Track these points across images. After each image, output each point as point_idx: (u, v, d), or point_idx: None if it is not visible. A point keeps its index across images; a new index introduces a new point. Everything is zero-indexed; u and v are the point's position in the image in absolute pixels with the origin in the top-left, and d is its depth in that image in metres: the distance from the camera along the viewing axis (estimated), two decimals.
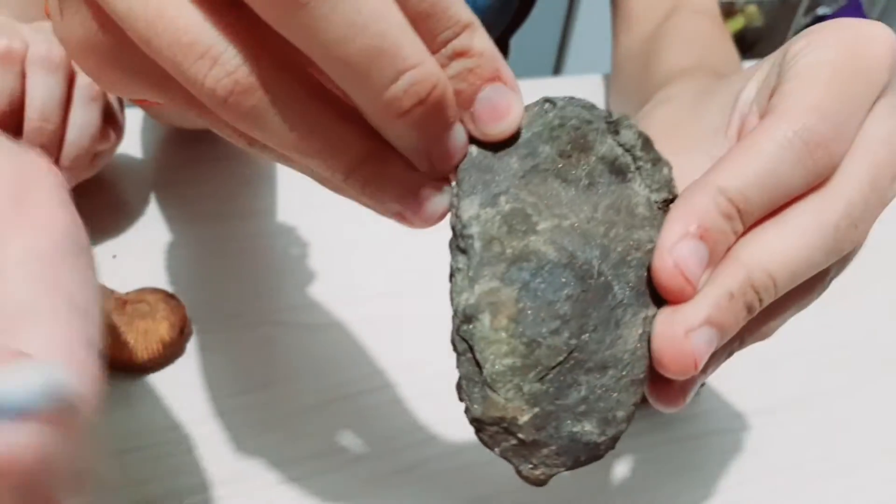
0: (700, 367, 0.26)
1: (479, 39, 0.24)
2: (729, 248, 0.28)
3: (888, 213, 0.32)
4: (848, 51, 0.29)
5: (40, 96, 0.46)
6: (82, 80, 0.48)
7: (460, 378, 0.26)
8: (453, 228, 0.26)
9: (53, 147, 0.47)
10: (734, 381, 0.50)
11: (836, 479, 0.47)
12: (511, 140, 0.27)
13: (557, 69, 1.77)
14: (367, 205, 0.26)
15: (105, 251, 0.53)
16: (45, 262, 0.24)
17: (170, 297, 0.47)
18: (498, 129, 0.26)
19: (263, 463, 0.42)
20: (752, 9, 1.18)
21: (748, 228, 0.28)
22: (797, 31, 1.15)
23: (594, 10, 1.62)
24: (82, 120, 0.48)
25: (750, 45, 1.21)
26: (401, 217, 0.26)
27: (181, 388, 0.45)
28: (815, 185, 0.28)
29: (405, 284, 0.52)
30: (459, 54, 0.24)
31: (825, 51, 0.29)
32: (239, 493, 0.41)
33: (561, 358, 0.26)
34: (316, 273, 0.53)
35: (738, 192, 0.27)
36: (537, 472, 0.27)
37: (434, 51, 0.24)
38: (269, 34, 0.22)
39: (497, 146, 0.27)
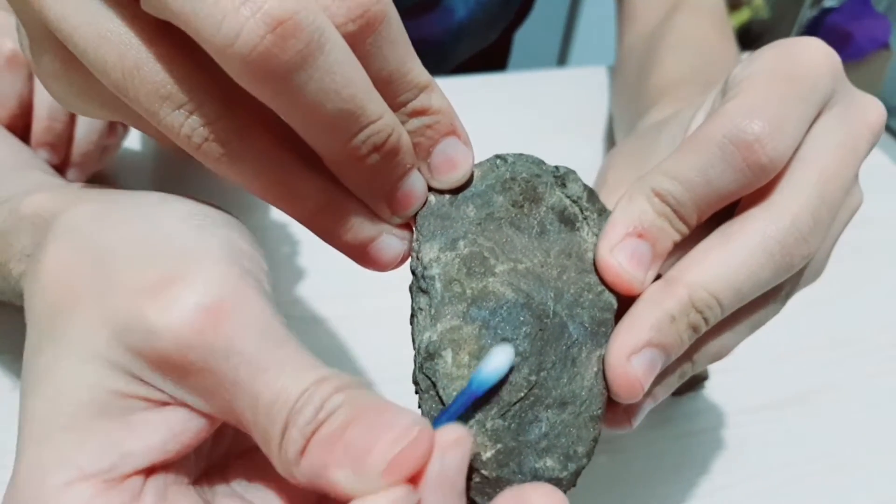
0: (645, 387, 0.27)
1: (437, 99, 0.27)
2: (676, 244, 0.29)
3: (891, 208, 0.33)
4: (782, 59, 0.29)
5: (47, 97, 0.47)
6: None
7: (423, 416, 0.27)
8: (414, 272, 0.28)
9: (63, 144, 0.48)
10: (736, 377, 0.51)
11: (839, 475, 0.47)
12: (462, 189, 0.29)
13: (562, 59, 1.76)
14: (330, 244, 0.28)
15: None
16: (201, 219, 0.26)
17: None
18: (452, 177, 0.28)
19: None
20: (759, 1, 1.17)
21: (698, 229, 0.29)
22: (803, 24, 1.14)
23: (600, 0, 1.62)
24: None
25: (756, 37, 1.20)
26: (361, 260, 0.28)
27: None
28: (753, 188, 0.28)
29: (396, 281, 0.52)
30: (419, 112, 0.26)
31: (760, 63, 0.30)
32: None
33: (521, 394, 0.27)
34: (306, 270, 0.54)
35: (668, 192, 0.28)
36: None
37: (396, 109, 0.26)
38: (242, 88, 0.23)
39: (453, 196, 0.29)
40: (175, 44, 0.24)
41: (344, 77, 0.23)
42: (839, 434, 0.49)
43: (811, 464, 0.47)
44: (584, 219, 0.30)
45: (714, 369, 0.50)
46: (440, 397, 0.26)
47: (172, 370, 0.23)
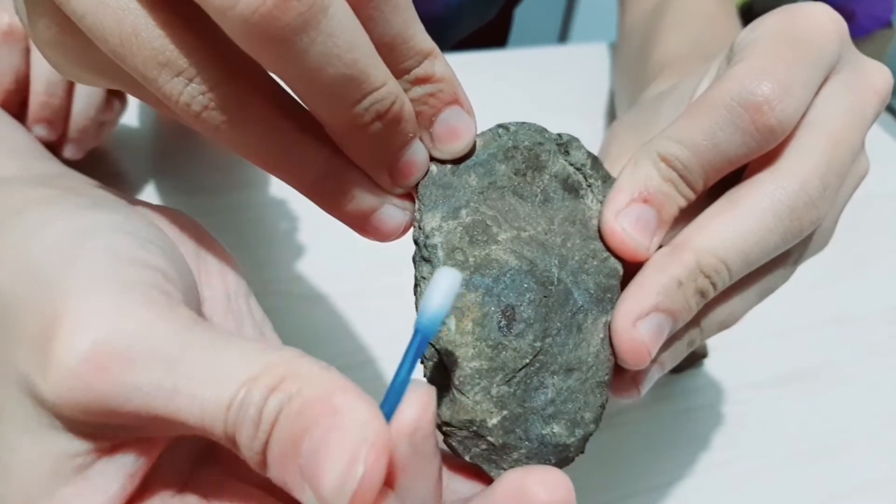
0: (652, 353, 0.27)
1: (440, 66, 0.26)
2: (682, 211, 0.29)
3: (892, 185, 0.33)
4: (788, 24, 0.29)
5: (45, 71, 0.46)
6: None
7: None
8: (416, 242, 0.28)
9: (60, 120, 0.48)
10: (736, 354, 0.51)
11: (838, 452, 0.47)
12: (465, 159, 0.28)
13: (563, 36, 1.75)
14: (332, 215, 0.28)
15: None
16: (75, 236, 0.24)
17: None
18: (455, 147, 0.28)
19: None
20: None
21: (704, 194, 0.29)
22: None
23: None
24: (87, 91, 0.48)
25: (758, 15, 1.19)
26: (362, 230, 0.28)
27: None
28: (761, 152, 0.28)
29: (396, 258, 0.52)
30: (422, 80, 0.26)
31: (766, 27, 0.29)
32: None
33: (526, 360, 0.26)
34: (305, 247, 0.54)
35: (674, 157, 0.28)
36: None
37: (398, 76, 0.25)
38: (243, 55, 0.23)
39: (455, 166, 0.28)
40: (174, 9, 0.23)
41: (347, 41, 0.22)
42: (838, 412, 0.49)
43: (810, 441, 0.48)
44: (589, 186, 0.30)
45: (714, 346, 0.50)
46: (444, 365, 0.26)
47: (91, 424, 0.21)
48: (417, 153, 0.27)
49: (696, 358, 0.50)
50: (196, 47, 0.23)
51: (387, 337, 0.48)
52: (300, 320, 0.49)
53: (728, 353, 0.50)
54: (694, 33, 0.55)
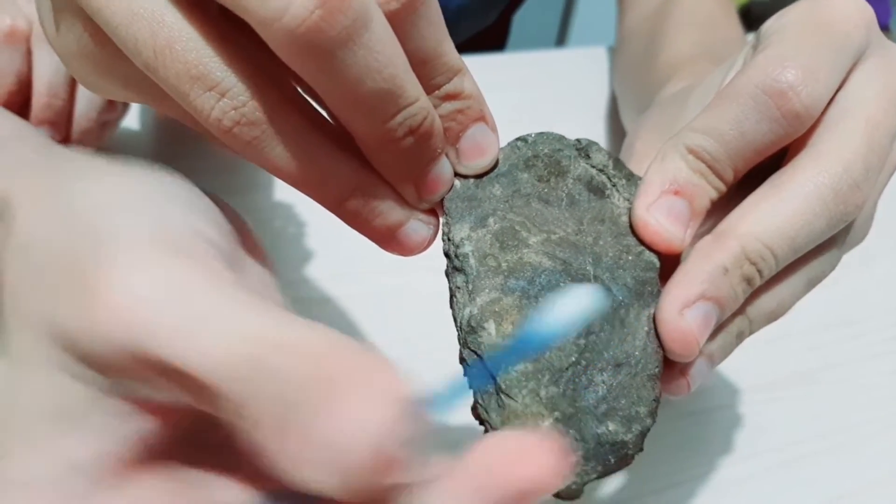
0: (700, 342, 0.27)
1: (469, 83, 0.27)
2: (713, 202, 0.29)
3: (891, 189, 0.33)
4: (814, 11, 0.29)
5: (47, 73, 0.46)
6: None
7: (474, 394, 0.26)
8: (447, 254, 0.28)
9: (63, 121, 0.48)
10: (740, 357, 0.50)
11: (840, 454, 0.47)
12: (487, 174, 0.29)
13: (561, 40, 1.75)
14: (358, 230, 0.28)
15: None
16: (126, 197, 0.23)
17: None
18: (480, 163, 0.28)
19: None
20: None
21: (734, 185, 0.29)
22: None
23: None
24: (89, 92, 0.48)
25: (756, 19, 1.19)
26: (388, 245, 0.28)
27: None
28: (789, 140, 0.28)
29: (403, 260, 0.52)
30: (451, 97, 0.26)
31: (792, 16, 0.29)
32: None
33: (573, 359, 0.26)
34: (312, 250, 0.53)
35: (702, 148, 0.28)
36: (569, 483, 0.26)
37: (428, 91, 0.26)
38: (277, 66, 0.23)
39: (478, 179, 0.29)
40: (210, 22, 0.23)
41: (386, 56, 0.23)
42: (839, 414, 0.49)
43: (811, 444, 0.47)
44: (613, 185, 0.30)
45: None
46: (488, 370, 0.26)
47: (116, 369, 0.21)
48: (444, 168, 0.27)
49: None
50: (230, 62, 0.23)
51: (393, 338, 0.48)
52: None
53: (735, 354, 0.50)
54: (700, 34, 0.56)
